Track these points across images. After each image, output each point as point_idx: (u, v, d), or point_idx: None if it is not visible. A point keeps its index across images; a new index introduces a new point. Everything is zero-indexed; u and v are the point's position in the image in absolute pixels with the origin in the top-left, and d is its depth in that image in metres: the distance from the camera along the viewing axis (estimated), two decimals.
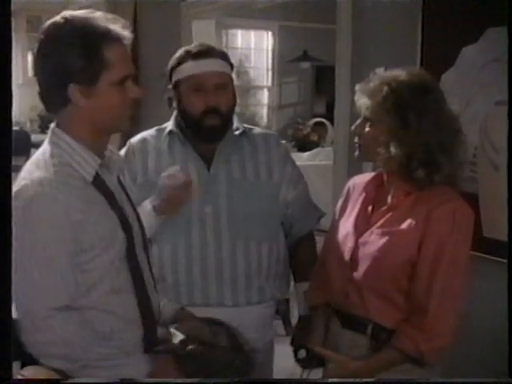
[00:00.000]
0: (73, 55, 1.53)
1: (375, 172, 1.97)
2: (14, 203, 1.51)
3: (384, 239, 1.80)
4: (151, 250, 2.01)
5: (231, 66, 2.19)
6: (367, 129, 1.82)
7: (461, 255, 1.76)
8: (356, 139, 1.86)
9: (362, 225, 1.88)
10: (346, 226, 1.92)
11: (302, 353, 1.89)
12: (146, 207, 2.06)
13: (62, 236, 1.52)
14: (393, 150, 1.77)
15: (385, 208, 1.86)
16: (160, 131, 2.23)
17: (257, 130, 2.30)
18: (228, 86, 2.14)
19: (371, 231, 1.85)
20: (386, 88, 1.77)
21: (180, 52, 2.17)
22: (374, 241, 1.82)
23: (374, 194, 1.91)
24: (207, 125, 2.10)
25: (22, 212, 1.50)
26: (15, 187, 1.55)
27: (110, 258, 1.60)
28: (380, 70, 1.87)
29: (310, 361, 1.87)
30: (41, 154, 1.61)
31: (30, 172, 1.56)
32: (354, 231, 1.88)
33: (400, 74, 1.81)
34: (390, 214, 1.84)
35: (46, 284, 1.51)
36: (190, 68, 2.12)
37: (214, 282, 2.11)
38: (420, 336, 1.74)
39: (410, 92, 1.77)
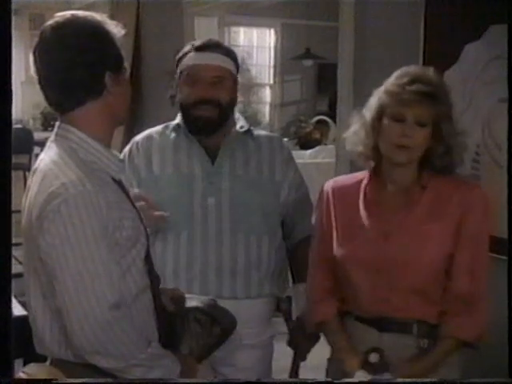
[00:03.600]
0: (106, 44, 1.60)
1: (356, 173, 1.97)
2: (50, 204, 1.50)
3: (420, 238, 1.81)
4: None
5: (236, 64, 2.20)
6: (419, 132, 1.80)
7: (487, 236, 1.85)
8: (403, 142, 1.79)
9: (384, 229, 1.85)
10: (362, 235, 1.87)
11: (375, 357, 1.82)
12: None
13: (106, 232, 1.52)
14: (440, 149, 1.82)
15: (404, 207, 1.84)
16: (166, 128, 2.25)
17: (262, 132, 2.33)
18: (225, 81, 2.15)
19: (402, 232, 1.83)
20: (445, 93, 1.82)
21: (188, 45, 2.21)
22: (411, 242, 1.81)
23: (377, 196, 1.89)
24: (199, 116, 2.12)
25: (66, 211, 1.49)
26: (47, 188, 1.52)
27: (137, 251, 1.62)
28: (410, 69, 1.82)
29: (381, 366, 1.81)
30: (60, 152, 1.59)
31: (61, 171, 1.54)
32: (376, 237, 1.84)
33: (435, 73, 1.84)
34: (414, 211, 1.83)
35: (99, 283, 1.50)
36: (189, 59, 2.15)
37: (214, 274, 2.13)
38: (472, 321, 1.81)
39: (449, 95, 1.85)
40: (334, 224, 1.93)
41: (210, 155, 2.17)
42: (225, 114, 2.15)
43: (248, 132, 2.23)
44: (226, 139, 2.18)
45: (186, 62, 2.16)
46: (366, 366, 1.81)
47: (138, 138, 2.25)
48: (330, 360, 2.01)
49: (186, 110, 2.15)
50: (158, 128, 2.27)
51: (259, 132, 2.30)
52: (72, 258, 1.49)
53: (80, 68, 1.57)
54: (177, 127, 2.21)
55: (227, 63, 2.16)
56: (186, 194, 2.14)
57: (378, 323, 1.86)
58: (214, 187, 2.14)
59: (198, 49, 2.16)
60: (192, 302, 1.78)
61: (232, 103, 2.17)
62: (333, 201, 1.95)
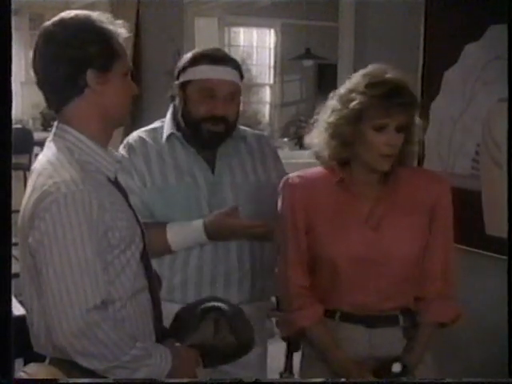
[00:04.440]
0: (90, 41, 1.58)
1: (313, 168, 1.97)
2: (43, 202, 1.50)
3: (405, 229, 1.85)
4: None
5: (241, 76, 2.16)
6: (399, 138, 1.80)
7: (452, 224, 1.92)
8: (388, 151, 1.79)
9: (369, 221, 1.86)
10: (350, 229, 1.86)
11: (398, 366, 1.79)
12: (197, 224, 2.08)
13: (95, 233, 1.52)
14: (408, 148, 1.85)
15: (384, 200, 1.86)
16: (156, 132, 2.20)
17: (249, 130, 2.30)
18: (236, 97, 2.12)
19: (387, 224, 1.85)
20: (416, 96, 1.83)
21: (195, 52, 2.13)
22: (398, 233, 1.85)
23: (353, 190, 1.87)
24: (209, 131, 2.08)
25: (57, 210, 1.49)
26: (41, 187, 1.53)
27: (131, 252, 1.61)
28: (382, 74, 1.80)
29: (404, 374, 1.79)
30: (56, 152, 1.59)
31: (56, 171, 1.54)
32: (365, 231, 1.85)
33: (403, 76, 1.82)
34: (394, 204, 1.86)
35: (82, 284, 1.49)
36: (205, 71, 2.08)
37: (222, 282, 2.13)
38: (449, 304, 1.89)
39: None
40: (310, 222, 1.89)
41: (208, 165, 2.15)
42: (231, 128, 2.13)
43: (242, 138, 2.21)
44: (222, 147, 2.16)
45: (201, 73, 2.08)
46: (387, 374, 1.79)
47: (132, 140, 2.20)
48: (303, 361, 2.02)
49: (192, 124, 2.11)
50: (148, 131, 2.21)
51: (248, 133, 2.27)
52: (58, 257, 1.49)
53: (60, 63, 1.57)
54: (171, 135, 2.16)
55: (237, 78, 2.13)
56: (193, 207, 2.12)
57: (365, 320, 1.87)
58: (218, 197, 2.13)
59: (213, 61, 2.08)
60: (217, 302, 1.76)
61: (237, 118, 2.15)
62: (303, 197, 1.90)
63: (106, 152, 1.64)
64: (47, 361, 1.63)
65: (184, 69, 2.12)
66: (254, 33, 9.48)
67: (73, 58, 1.57)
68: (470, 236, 2.38)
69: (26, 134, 7.52)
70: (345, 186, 1.87)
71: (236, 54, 9.41)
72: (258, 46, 9.52)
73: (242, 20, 8.83)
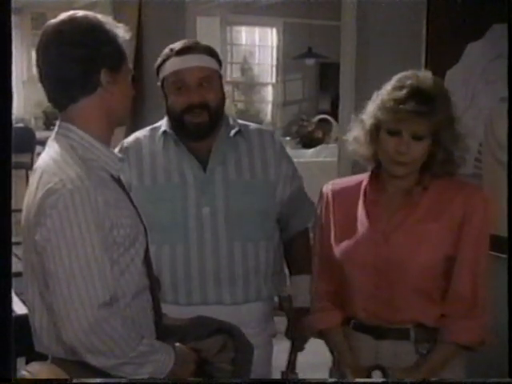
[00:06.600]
0: (104, 42, 1.59)
1: (358, 175, 1.97)
2: (49, 199, 1.50)
3: (420, 238, 1.80)
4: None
5: (219, 62, 2.15)
6: (415, 146, 1.77)
7: (488, 240, 1.83)
8: (399, 158, 1.77)
9: (384, 229, 1.83)
10: (361, 235, 1.86)
11: (378, 375, 1.80)
12: None
13: (101, 229, 1.52)
14: (439, 156, 1.79)
15: (404, 207, 1.83)
16: (154, 131, 2.20)
17: (252, 126, 2.26)
18: (212, 81, 2.09)
19: (402, 232, 1.81)
20: (444, 102, 1.77)
21: (165, 50, 2.15)
22: (410, 242, 1.80)
23: (377, 196, 1.87)
24: (191, 122, 2.07)
25: (63, 206, 1.49)
26: (46, 184, 1.53)
27: (136, 250, 1.62)
28: (408, 78, 1.77)
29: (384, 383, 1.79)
30: (59, 150, 1.60)
31: (60, 168, 1.55)
32: (377, 237, 1.83)
33: (436, 79, 1.81)
34: (414, 212, 1.82)
35: (91, 280, 1.50)
36: (172, 64, 2.09)
37: (212, 282, 2.11)
38: (472, 325, 1.79)
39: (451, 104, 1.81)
40: (332, 226, 1.92)
41: (200, 162, 2.12)
42: (215, 116, 2.09)
43: (239, 132, 2.18)
44: (216, 143, 2.13)
45: (168, 68, 2.09)
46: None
47: (127, 141, 2.20)
48: (332, 371, 2.01)
49: (175, 118, 2.10)
50: (146, 131, 2.21)
51: (250, 127, 2.23)
52: (66, 253, 1.49)
53: (73, 63, 1.57)
54: (165, 134, 2.15)
55: (210, 62, 2.11)
56: (179, 206, 2.10)
57: (375, 331, 1.85)
58: (208, 196, 2.11)
59: (179, 53, 2.09)
60: (237, 331, 1.79)
61: (221, 103, 2.12)
62: (332, 203, 1.94)
63: (108, 150, 1.65)
64: (49, 360, 1.63)
65: (158, 69, 2.14)
66: (256, 32, 9.48)
67: (88, 57, 1.58)
68: None
69: (28, 132, 7.51)
70: (370, 193, 1.87)
71: (238, 53, 9.42)
72: (260, 44, 9.53)
73: (244, 19, 8.84)
